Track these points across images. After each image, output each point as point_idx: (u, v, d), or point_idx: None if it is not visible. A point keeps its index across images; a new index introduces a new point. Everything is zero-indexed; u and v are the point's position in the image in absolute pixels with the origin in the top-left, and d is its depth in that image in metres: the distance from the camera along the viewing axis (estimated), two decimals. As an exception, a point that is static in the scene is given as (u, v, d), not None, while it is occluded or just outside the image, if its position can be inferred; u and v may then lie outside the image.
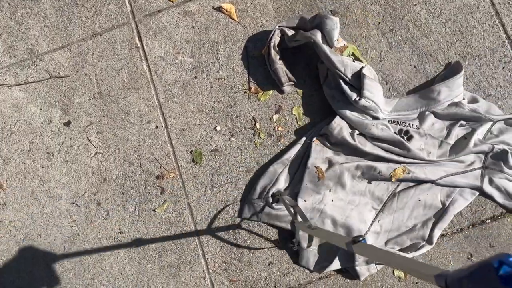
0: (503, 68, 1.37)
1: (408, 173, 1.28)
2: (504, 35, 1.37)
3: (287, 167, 1.35)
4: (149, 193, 1.39)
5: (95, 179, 1.40)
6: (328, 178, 1.31)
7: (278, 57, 1.35)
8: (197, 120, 1.41)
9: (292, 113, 1.40)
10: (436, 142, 1.29)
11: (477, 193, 1.31)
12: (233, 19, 1.43)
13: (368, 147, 1.30)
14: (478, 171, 1.30)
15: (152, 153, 1.40)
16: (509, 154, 1.27)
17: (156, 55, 1.42)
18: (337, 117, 1.32)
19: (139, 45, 1.43)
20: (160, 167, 1.40)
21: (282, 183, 1.34)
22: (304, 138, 1.36)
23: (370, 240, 1.32)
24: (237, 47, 1.42)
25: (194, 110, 1.41)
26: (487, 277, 0.42)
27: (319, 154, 1.32)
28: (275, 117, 1.40)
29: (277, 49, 1.36)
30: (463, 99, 1.31)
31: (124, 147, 1.40)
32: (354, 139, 1.30)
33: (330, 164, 1.32)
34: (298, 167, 1.35)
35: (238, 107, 1.41)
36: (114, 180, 1.40)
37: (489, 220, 1.34)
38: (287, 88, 1.38)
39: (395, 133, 1.29)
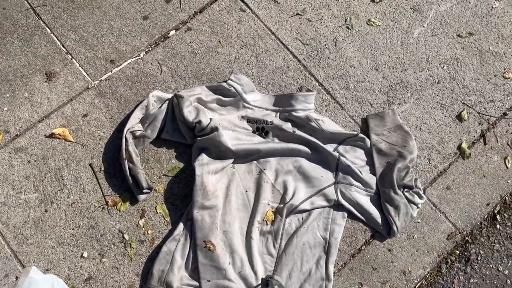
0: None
1: (280, 205, 1.39)
2: (317, 83, 1.55)
3: (180, 243, 1.32)
4: None
5: None
6: (221, 251, 1.31)
7: (139, 160, 1.37)
8: (60, 255, 1.32)
9: (157, 212, 1.40)
10: (288, 134, 1.43)
11: (346, 215, 1.42)
12: (70, 141, 1.41)
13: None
14: (332, 187, 1.42)
15: (18, 308, 1.27)
16: (352, 167, 1.41)
17: (-4, 203, 1.32)
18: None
19: (-28, 198, 1.32)
20: (32, 320, 1.26)
21: (179, 261, 1.30)
22: (186, 211, 1.37)
23: None
24: (82, 167, 1.39)
25: (54, 245, 1.33)
26: None
27: (203, 224, 1.32)
28: (141, 222, 1.38)
29: (137, 152, 1.37)
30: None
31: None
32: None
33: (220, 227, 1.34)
34: (191, 241, 1.33)
35: (101, 225, 1.36)
36: None
37: (364, 246, 1.44)
38: (144, 196, 1.37)
39: (253, 131, 1.45)
